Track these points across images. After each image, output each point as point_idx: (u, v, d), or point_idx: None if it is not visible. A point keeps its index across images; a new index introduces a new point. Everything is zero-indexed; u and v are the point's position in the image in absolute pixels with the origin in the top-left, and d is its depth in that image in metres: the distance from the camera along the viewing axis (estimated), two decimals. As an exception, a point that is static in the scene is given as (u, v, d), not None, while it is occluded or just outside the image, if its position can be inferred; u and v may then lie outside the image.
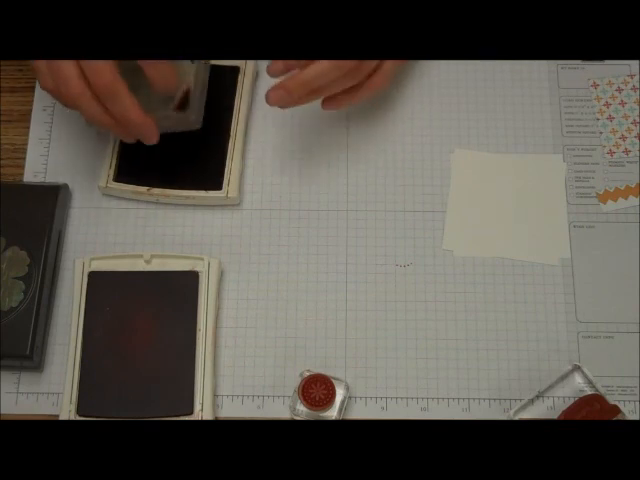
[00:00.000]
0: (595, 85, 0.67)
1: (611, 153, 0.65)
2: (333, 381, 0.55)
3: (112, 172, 0.62)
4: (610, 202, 0.63)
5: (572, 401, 0.56)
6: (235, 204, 0.63)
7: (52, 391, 0.58)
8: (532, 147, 0.65)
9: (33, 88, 0.67)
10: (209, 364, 0.57)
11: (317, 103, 0.66)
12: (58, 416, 0.56)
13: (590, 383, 0.58)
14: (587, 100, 0.66)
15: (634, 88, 0.66)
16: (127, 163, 0.62)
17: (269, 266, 0.61)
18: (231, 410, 0.58)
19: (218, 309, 0.59)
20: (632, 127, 0.65)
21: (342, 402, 0.56)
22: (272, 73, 0.57)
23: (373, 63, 0.59)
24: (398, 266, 0.61)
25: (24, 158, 0.65)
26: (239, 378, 0.58)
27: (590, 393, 0.57)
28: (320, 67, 0.55)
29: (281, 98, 0.56)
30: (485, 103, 0.66)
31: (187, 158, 0.62)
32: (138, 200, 0.63)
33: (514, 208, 0.63)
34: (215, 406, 0.57)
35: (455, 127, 0.66)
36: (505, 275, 0.61)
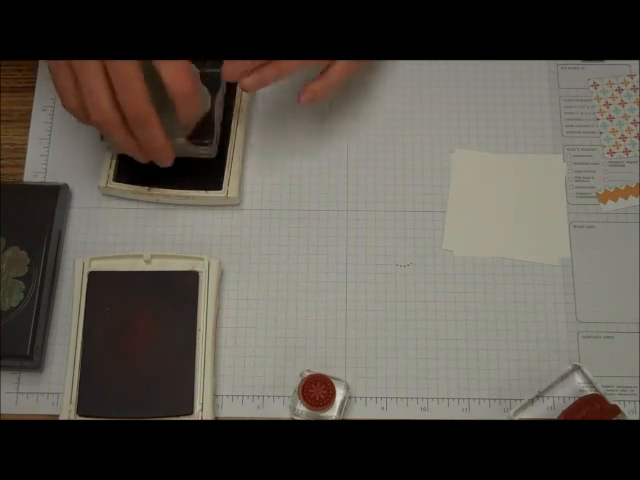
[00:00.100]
0: (595, 85, 0.67)
1: (611, 153, 0.65)
2: (333, 381, 0.55)
3: (112, 172, 0.62)
4: (610, 202, 0.63)
5: (572, 401, 0.56)
6: (235, 204, 0.63)
7: (52, 391, 0.58)
8: (532, 147, 0.65)
9: (33, 88, 0.67)
10: (209, 364, 0.57)
11: (317, 103, 0.66)
12: (58, 416, 0.56)
13: (590, 383, 0.58)
14: (587, 100, 0.66)
15: (634, 88, 0.66)
16: (127, 163, 0.62)
17: (269, 266, 0.61)
18: (231, 410, 0.58)
19: (218, 309, 0.59)
20: (632, 127, 0.65)
21: (342, 402, 0.56)
22: (228, 77, 0.57)
23: None
24: (398, 266, 0.61)
25: (24, 158, 0.65)
26: (239, 378, 0.58)
27: (590, 393, 0.57)
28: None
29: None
30: (485, 103, 0.66)
31: (187, 158, 0.62)
32: (138, 200, 0.63)
33: (514, 208, 0.63)
34: (215, 406, 0.57)
35: (455, 127, 0.66)
36: (505, 275, 0.61)
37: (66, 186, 0.63)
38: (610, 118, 0.66)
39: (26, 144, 0.65)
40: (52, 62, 0.53)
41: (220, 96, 0.62)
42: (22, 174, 0.64)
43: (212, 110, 0.60)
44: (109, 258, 0.60)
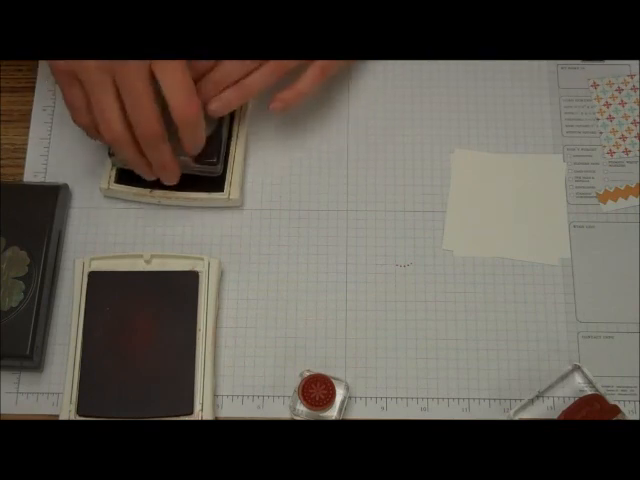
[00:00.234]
0: (595, 85, 0.67)
1: (611, 153, 0.65)
2: (333, 381, 0.55)
3: (113, 174, 0.62)
4: (610, 202, 0.63)
5: (572, 401, 0.56)
6: (237, 206, 0.63)
7: (52, 391, 0.58)
8: (532, 147, 0.65)
9: (33, 88, 0.67)
10: (209, 364, 0.57)
11: (316, 103, 0.66)
12: (58, 416, 0.56)
13: (590, 383, 0.58)
14: (587, 100, 0.66)
15: (634, 88, 0.66)
16: (128, 164, 0.62)
17: (269, 266, 0.61)
18: (231, 410, 0.58)
19: (218, 309, 0.59)
20: (632, 127, 0.65)
21: (342, 402, 0.56)
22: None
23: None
24: (398, 266, 0.61)
25: (24, 158, 0.65)
26: (239, 378, 0.58)
27: (590, 393, 0.57)
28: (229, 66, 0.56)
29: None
30: (485, 103, 0.66)
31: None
32: (139, 201, 0.63)
33: (514, 208, 0.63)
34: (215, 406, 0.57)
35: (455, 127, 0.66)
36: (505, 275, 0.61)
37: (66, 186, 0.63)
38: (610, 118, 0.66)
39: (26, 144, 0.65)
40: (61, 76, 0.53)
41: (227, 115, 0.61)
42: (22, 174, 0.64)
43: (219, 130, 0.60)
44: (109, 258, 0.60)
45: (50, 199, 0.60)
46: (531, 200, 0.63)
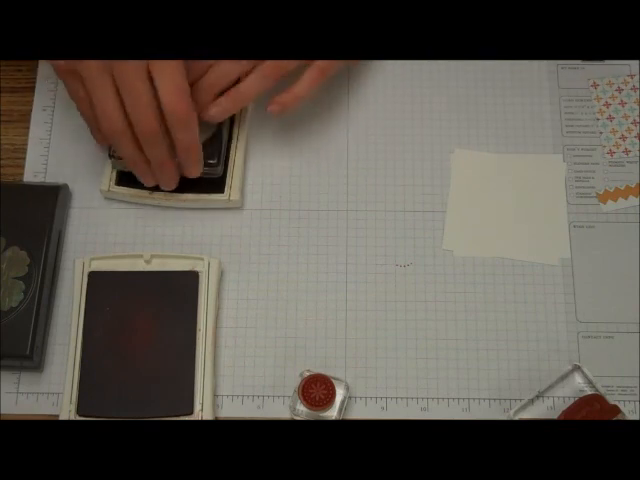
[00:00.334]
0: (595, 85, 0.67)
1: (611, 153, 0.65)
2: (333, 381, 0.55)
3: (114, 176, 0.62)
4: (610, 202, 0.63)
5: (572, 401, 0.56)
6: (237, 207, 0.63)
7: (52, 391, 0.58)
8: (532, 147, 0.65)
9: (33, 88, 0.67)
10: (209, 364, 0.57)
11: (316, 103, 0.66)
12: (58, 416, 0.56)
13: (590, 383, 0.58)
14: (587, 100, 0.66)
15: (634, 88, 0.66)
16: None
17: (269, 266, 0.61)
18: (231, 410, 0.58)
19: (218, 309, 0.59)
20: (632, 127, 0.65)
21: (342, 402, 0.56)
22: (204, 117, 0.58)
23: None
24: (398, 266, 0.61)
25: (24, 158, 0.65)
26: (239, 378, 0.58)
27: (590, 393, 0.57)
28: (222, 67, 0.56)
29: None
30: (485, 103, 0.66)
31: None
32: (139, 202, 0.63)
33: (514, 208, 0.63)
34: (215, 406, 0.57)
35: (455, 127, 0.66)
36: (505, 275, 0.61)
37: (66, 186, 0.63)
38: (610, 118, 0.66)
39: (26, 144, 0.65)
40: (63, 74, 0.53)
41: (225, 122, 0.61)
42: (22, 174, 0.64)
43: (220, 131, 0.60)
44: (109, 258, 0.60)
45: (50, 199, 0.60)
46: (531, 200, 0.63)
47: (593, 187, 0.64)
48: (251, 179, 0.64)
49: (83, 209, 0.63)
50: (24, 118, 0.66)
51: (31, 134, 0.66)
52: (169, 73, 0.51)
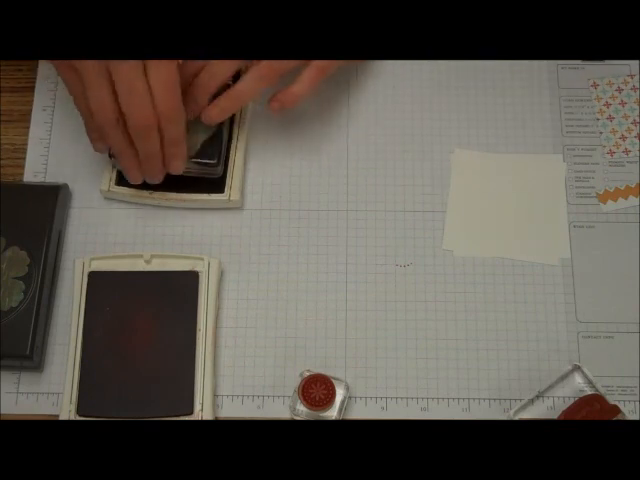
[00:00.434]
0: (595, 85, 0.67)
1: (611, 153, 0.65)
2: (333, 381, 0.55)
3: (114, 176, 0.62)
4: (610, 202, 0.63)
5: (572, 401, 0.56)
6: (237, 207, 0.63)
7: (52, 391, 0.58)
8: (532, 147, 0.65)
9: (33, 88, 0.67)
10: (209, 364, 0.57)
11: (316, 103, 0.66)
12: (58, 416, 0.56)
13: (590, 383, 0.58)
14: (587, 100, 0.66)
15: (634, 88, 0.66)
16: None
17: (269, 266, 0.61)
18: (231, 410, 0.58)
19: (218, 309, 0.59)
20: (632, 127, 0.65)
21: (342, 402, 0.56)
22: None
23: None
24: (398, 266, 0.61)
25: (24, 158, 0.65)
26: (239, 378, 0.58)
27: (590, 393, 0.57)
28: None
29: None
30: (485, 103, 0.66)
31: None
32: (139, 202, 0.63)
33: (514, 208, 0.63)
34: (215, 406, 0.57)
35: (455, 127, 0.66)
36: (505, 275, 0.61)
37: (66, 186, 0.63)
38: (610, 118, 0.66)
39: (26, 144, 0.65)
40: (60, 67, 0.54)
41: (226, 121, 0.61)
42: (22, 174, 0.64)
43: (220, 131, 0.60)
44: (109, 258, 0.60)
45: (50, 199, 0.60)
46: (531, 200, 0.63)
47: (593, 187, 0.64)
48: (251, 179, 0.64)
49: (83, 209, 0.63)
50: (24, 118, 0.66)
51: (31, 134, 0.66)
52: (162, 70, 0.52)
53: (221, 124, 0.60)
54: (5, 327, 0.57)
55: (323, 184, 0.64)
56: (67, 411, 0.56)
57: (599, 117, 0.66)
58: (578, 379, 0.58)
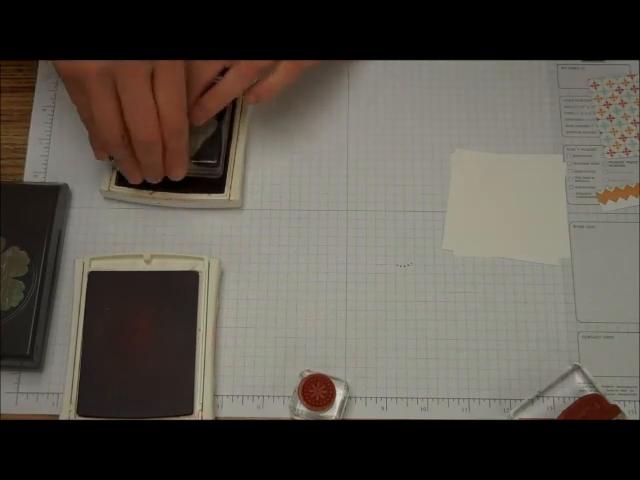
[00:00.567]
0: (595, 85, 0.67)
1: (611, 153, 0.65)
2: (333, 381, 0.55)
3: (114, 176, 0.62)
4: (610, 202, 0.63)
5: (572, 401, 0.56)
6: (237, 207, 0.63)
7: (52, 391, 0.58)
8: (532, 147, 0.65)
9: (33, 88, 0.67)
10: (209, 364, 0.57)
11: (316, 103, 0.66)
12: (58, 416, 0.56)
13: (590, 383, 0.58)
14: (587, 100, 0.66)
15: (634, 88, 0.66)
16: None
17: (269, 266, 0.61)
18: (231, 410, 0.58)
19: (218, 309, 0.59)
20: (632, 127, 0.65)
21: (342, 402, 0.56)
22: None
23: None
24: (398, 266, 0.61)
25: (24, 158, 0.65)
26: (239, 378, 0.58)
27: (590, 393, 0.57)
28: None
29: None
30: (485, 103, 0.66)
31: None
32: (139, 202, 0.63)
33: (514, 208, 0.63)
34: (215, 406, 0.57)
35: (455, 127, 0.66)
36: (505, 275, 0.61)
37: (66, 186, 0.63)
38: (610, 118, 0.66)
39: (26, 144, 0.65)
40: (65, 81, 0.53)
41: (227, 116, 0.62)
42: (22, 174, 0.64)
43: (219, 132, 0.60)
44: (109, 258, 0.60)
45: (50, 199, 0.60)
46: (531, 200, 0.63)
47: (593, 187, 0.64)
48: (251, 179, 0.64)
49: (83, 209, 0.63)
50: (24, 118, 0.66)
51: (31, 134, 0.66)
52: (170, 86, 0.52)
53: (221, 124, 0.61)
54: (5, 327, 0.57)
55: (323, 184, 0.64)
56: (67, 411, 0.56)
57: (599, 117, 0.66)
58: (578, 379, 0.58)
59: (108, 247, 0.62)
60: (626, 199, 0.63)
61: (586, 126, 0.66)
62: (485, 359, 0.59)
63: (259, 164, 0.65)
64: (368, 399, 0.58)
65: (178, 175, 0.58)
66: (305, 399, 0.54)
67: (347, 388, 0.56)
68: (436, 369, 0.58)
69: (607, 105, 0.66)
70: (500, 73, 0.67)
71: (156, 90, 0.52)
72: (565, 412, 0.55)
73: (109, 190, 0.62)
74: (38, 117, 0.66)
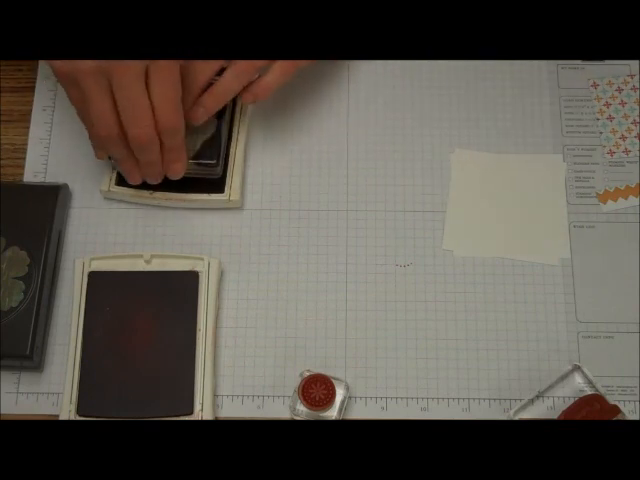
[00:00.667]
0: (595, 85, 0.67)
1: (611, 153, 0.65)
2: (333, 381, 0.55)
3: (114, 176, 0.62)
4: (610, 202, 0.63)
5: (572, 401, 0.56)
6: (237, 207, 0.63)
7: (52, 391, 0.58)
8: (532, 147, 0.65)
9: (33, 88, 0.67)
10: (209, 364, 0.57)
11: (316, 103, 0.66)
12: (58, 416, 0.56)
13: (590, 383, 0.58)
14: (587, 100, 0.66)
15: (634, 88, 0.66)
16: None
17: (269, 266, 0.61)
18: (231, 410, 0.58)
19: (218, 309, 0.59)
20: (632, 127, 0.65)
21: (342, 402, 0.56)
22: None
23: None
24: (398, 266, 0.61)
25: (24, 158, 0.65)
26: (239, 378, 0.58)
27: (590, 393, 0.57)
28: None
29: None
30: (485, 103, 0.66)
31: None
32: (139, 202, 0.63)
33: (514, 208, 0.63)
34: (215, 406, 0.57)
35: (455, 127, 0.66)
36: (505, 275, 0.61)
37: (66, 186, 0.63)
38: (610, 118, 0.66)
39: (26, 144, 0.65)
40: (62, 80, 0.53)
41: (227, 116, 0.62)
42: (22, 174, 0.64)
43: (219, 132, 0.61)
44: (109, 258, 0.60)
45: (50, 199, 0.60)
46: (531, 200, 0.63)
47: (593, 187, 0.64)
48: (251, 179, 0.64)
49: (83, 209, 0.63)
50: (24, 118, 0.66)
51: (31, 134, 0.66)
52: (165, 85, 0.52)
53: (220, 124, 0.61)
54: (5, 327, 0.57)
55: (323, 184, 0.64)
56: (67, 411, 0.56)
57: (599, 117, 0.66)
58: (578, 379, 0.58)
59: (108, 247, 0.62)
60: (626, 199, 0.63)
61: (586, 126, 0.66)
62: (485, 359, 0.59)
63: (259, 164, 0.65)
64: (368, 399, 0.58)
65: (177, 172, 0.58)
66: (305, 399, 0.54)
67: (347, 388, 0.56)
68: (436, 369, 0.58)
69: (607, 105, 0.66)
70: (500, 73, 0.67)
71: (150, 88, 0.52)
72: (565, 412, 0.55)
73: (109, 190, 0.62)
74: (38, 117, 0.66)
